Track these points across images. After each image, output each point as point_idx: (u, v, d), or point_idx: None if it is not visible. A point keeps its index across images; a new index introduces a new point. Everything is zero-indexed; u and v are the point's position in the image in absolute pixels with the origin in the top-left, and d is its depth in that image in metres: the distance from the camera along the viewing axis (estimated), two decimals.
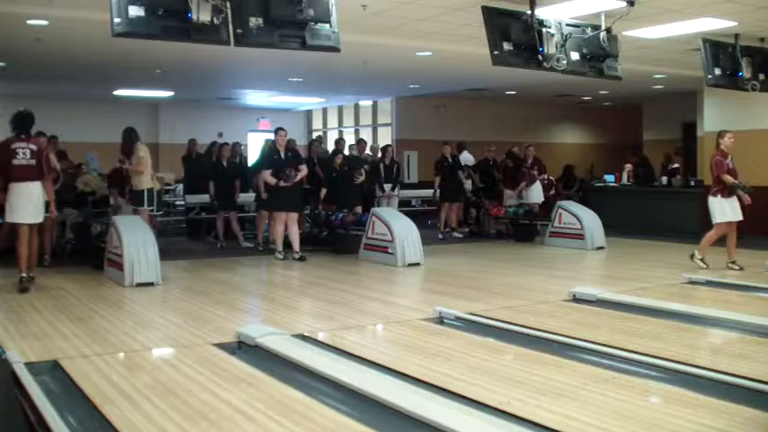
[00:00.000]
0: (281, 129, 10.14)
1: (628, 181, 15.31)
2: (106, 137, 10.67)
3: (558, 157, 17.24)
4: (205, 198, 11.68)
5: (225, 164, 11.43)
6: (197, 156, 12.82)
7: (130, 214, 9.31)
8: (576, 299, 6.81)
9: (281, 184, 9.62)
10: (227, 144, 11.93)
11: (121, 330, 5.76)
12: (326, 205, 11.90)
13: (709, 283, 7.62)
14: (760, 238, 10.85)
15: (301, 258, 9.69)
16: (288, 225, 9.82)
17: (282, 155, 9.82)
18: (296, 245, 9.85)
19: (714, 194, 8.55)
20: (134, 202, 9.42)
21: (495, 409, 3.76)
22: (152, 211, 9.54)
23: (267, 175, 9.71)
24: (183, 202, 13.07)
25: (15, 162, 7.31)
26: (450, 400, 3.94)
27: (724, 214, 8.49)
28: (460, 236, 12.47)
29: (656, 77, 12.93)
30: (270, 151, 10.06)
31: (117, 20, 5.45)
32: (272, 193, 9.83)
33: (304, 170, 9.91)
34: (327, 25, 6.28)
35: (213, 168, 11.49)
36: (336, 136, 17.80)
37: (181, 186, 13.71)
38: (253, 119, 19.33)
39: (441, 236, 12.30)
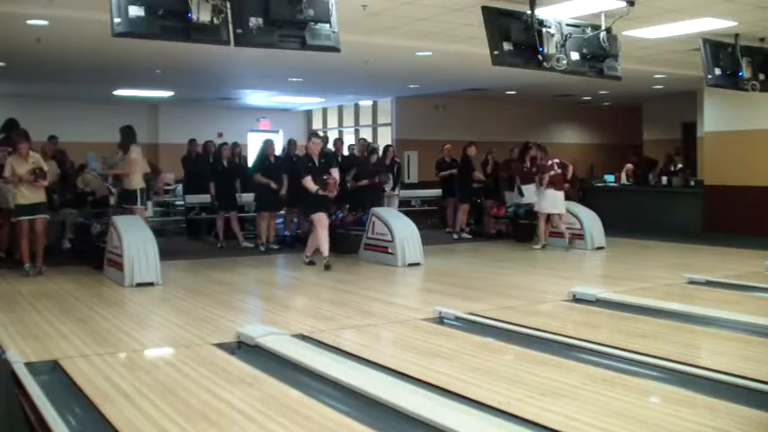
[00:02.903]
0: (314, 136, 9.76)
1: (627, 181, 15.32)
2: (106, 137, 10.66)
3: (558, 157, 17.23)
4: (205, 198, 11.71)
5: (225, 164, 11.45)
6: (197, 156, 12.83)
7: None
8: (576, 299, 6.81)
9: (320, 192, 9.08)
10: (226, 144, 11.95)
11: (121, 330, 5.76)
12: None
13: (709, 283, 7.62)
14: (760, 239, 10.85)
15: (310, 263, 9.29)
16: (317, 227, 9.20)
17: (317, 162, 9.23)
18: (311, 249, 9.40)
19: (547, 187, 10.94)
20: (127, 201, 9.48)
21: (495, 409, 3.76)
22: (146, 209, 9.70)
23: (309, 182, 9.07)
24: (182, 202, 13.08)
25: None
26: (450, 400, 3.94)
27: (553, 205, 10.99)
28: (469, 237, 12.49)
29: (656, 77, 12.92)
30: (306, 158, 9.47)
31: (117, 20, 5.44)
32: (310, 199, 9.20)
33: (335, 174, 9.34)
34: (327, 25, 6.27)
35: (213, 168, 11.50)
36: (335, 136, 17.80)
37: (180, 186, 13.71)
38: (253, 119, 19.32)
39: (455, 236, 12.38)
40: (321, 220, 9.08)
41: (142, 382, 4.28)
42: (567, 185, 11.31)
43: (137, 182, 9.49)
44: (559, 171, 11.04)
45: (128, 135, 9.63)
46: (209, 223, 12.30)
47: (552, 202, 10.95)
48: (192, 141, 13.22)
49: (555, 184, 10.96)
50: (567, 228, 11.01)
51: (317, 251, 9.21)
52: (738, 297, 7.03)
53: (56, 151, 10.87)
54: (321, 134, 9.83)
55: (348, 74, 12.55)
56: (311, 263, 9.29)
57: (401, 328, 5.88)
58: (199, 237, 12.56)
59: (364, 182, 11.45)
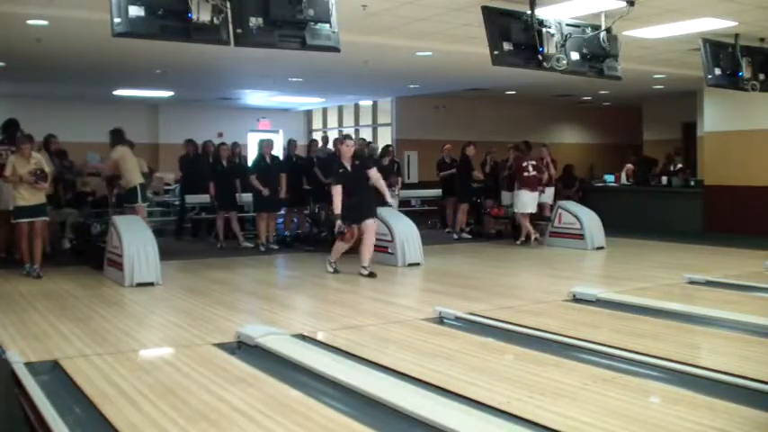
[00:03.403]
0: (347, 138, 8.99)
1: (627, 181, 15.33)
2: (106, 137, 10.61)
3: (559, 157, 17.25)
4: (203, 198, 11.73)
5: (224, 164, 11.45)
6: (195, 156, 12.85)
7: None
8: (576, 299, 6.81)
9: (340, 229, 8.24)
10: (224, 144, 11.96)
11: (121, 330, 5.76)
12: (328, 205, 11.95)
13: (709, 283, 7.62)
14: (760, 238, 10.85)
15: (371, 275, 8.28)
16: (365, 234, 8.43)
17: (349, 166, 8.40)
18: (367, 257, 8.43)
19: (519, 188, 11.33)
20: (128, 200, 9.55)
21: (495, 409, 3.76)
22: (148, 205, 9.81)
23: (337, 196, 8.22)
24: (178, 202, 13.13)
25: None
26: (450, 400, 3.94)
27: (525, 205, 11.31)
28: (469, 237, 12.52)
29: (656, 77, 12.93)
30: (337, 163, 8.55)
31: (117, 20, 5.44)
32: (349, 208, 8.28)
33: (375, 176, 8.59)
34: (327, 25, 6.27)
35: (212, 169, 11.51)
36: (335, 136, 17.79)
37: (178, 186, 13.72)
38: (253, 119, 19.33)
39: (455, 236, 12.41)
40: (369, 227, 8.34)
41: (142, 382, 4.27)
42: (542, 187, 11.59)
43: (135, 179, 9.59)
44: (534, 173, 11.30)
45: (115, 137, 9.78)
46: (208, 223, 12.30)
47: (525, 201, 11.24)
48: (190, 141, 13.25)
49: (528, 185, 11.22)
50: (566, 228, 11.04)
51: (336, 257, 8.63)
52: (738, 297, 7.03)
53: (56, 150, 10.81)
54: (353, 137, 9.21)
55: (348, 74, 12.55)
56: (371, 274, 8.26)
57: (401, 328, 5.88)
58: (196, 236, 12.57)
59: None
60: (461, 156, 12.45)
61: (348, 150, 8.49)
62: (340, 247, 8.61)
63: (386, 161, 12.13)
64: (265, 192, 10.70)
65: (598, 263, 10.10)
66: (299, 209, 12.14)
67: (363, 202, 8.47)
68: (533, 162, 11.43)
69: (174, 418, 3.68)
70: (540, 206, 11.98)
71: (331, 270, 8.64)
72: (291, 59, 9.28)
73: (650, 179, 14.82)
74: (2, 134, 9.77)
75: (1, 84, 13.80)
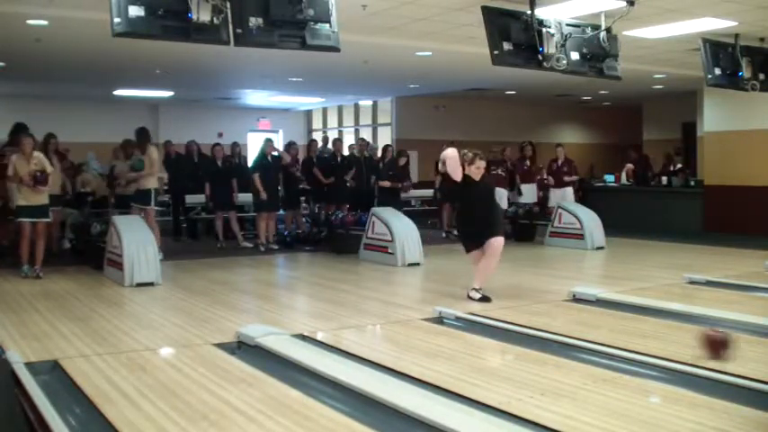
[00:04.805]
0: (478, 158, 6.83)
1: (627, 181, 15.33)
2: (106, 137, 10.67)
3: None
4: (198, 198, 11.76)
5: (219, 164, 11.44)
6: (177, 156, 12.90)
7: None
8: (576, 299, 6.81)
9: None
10: (219, 145, 11.95)
11: (121, 330, 5.76)
12: (328, 205, 11.99)
13: (709, 283, 7.62)
14: (760, 239, 10.85)
15: (484, 298, 6.79)
16: (487, 251, 6.85)
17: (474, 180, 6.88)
18: (483, 277, 6.91)
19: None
20: (141, 201, 9.56)
21: (496, 409, 3.76)
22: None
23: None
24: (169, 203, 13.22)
25: None
26: (451, 400, 3.94)
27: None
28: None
29: (656, 77, 12.93)
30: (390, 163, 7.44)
31: (117, 20, 5.44)
32: (470, 227, 7.05)
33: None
34: (327, 25, 6.27)
35: (208, 169, 11.50)
36: (335, 136, 17.79)
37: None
38: (253, 119, 19.33)
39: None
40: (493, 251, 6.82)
41: (142, 383, 4.28)
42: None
43: (153, 182, 9.66)
44: (499, 172, 12.04)
45: (144, 136, 9.85)
46: (207, 224, 12.29)
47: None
48: (167, 142, 13.32)
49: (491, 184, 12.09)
50: (566, 227, 11.08)
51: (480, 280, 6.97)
52: (738, 297, 7.02)
53: (55, 151, 10.79)
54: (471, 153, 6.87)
55: (348, 74, 12.56)
56: (484, 298, 6.79)
57: (401, 328, 5.87)
58: (194, 236, 12.58)
59: (386, 183, 11.48)
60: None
61: (478, 173, 6.82)
62: (489, 266, 6.93)
63: (403, 161, 12.09)
64: (263, 195, 10.72)
65: (598, 263, 10.09)
66: (298, 210, 12.21)
67: (492, 221, 6.95)
68: (493, 166, 11.90)
69: (174, 418, 3.68)
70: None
71: (477, 297, 6.79)
72: (291, 59, 9.27)
73: (650, 179, 14.82)
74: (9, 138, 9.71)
75: (1, 84, 13.80)
